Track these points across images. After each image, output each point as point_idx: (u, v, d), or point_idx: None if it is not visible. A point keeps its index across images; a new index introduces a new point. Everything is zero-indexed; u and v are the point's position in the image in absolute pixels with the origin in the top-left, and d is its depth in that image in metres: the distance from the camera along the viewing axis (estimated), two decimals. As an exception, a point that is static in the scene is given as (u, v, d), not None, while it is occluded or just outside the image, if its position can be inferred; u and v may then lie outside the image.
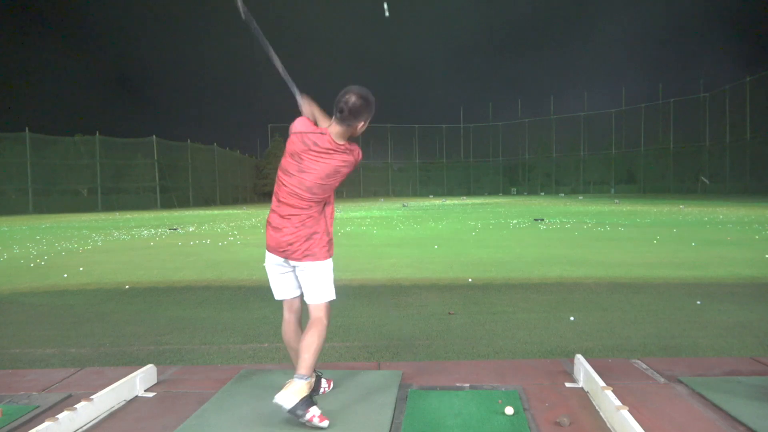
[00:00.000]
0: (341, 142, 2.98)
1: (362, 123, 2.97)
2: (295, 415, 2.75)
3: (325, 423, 2.78)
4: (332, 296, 3.12)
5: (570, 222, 19.26)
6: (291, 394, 2.76)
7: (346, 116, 2.91)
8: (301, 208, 3.00)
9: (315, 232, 3.02)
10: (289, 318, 3.22)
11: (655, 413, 2.92)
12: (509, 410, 2.91)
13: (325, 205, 3.10)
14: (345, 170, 3.03)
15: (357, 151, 3.04)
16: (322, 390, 3.26)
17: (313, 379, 3.12)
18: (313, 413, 2.78)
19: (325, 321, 3.05)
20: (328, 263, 3.10)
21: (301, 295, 3.20)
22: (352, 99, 2.89)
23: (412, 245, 12.35)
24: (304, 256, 3.01)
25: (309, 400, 2.80)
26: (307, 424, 2.76)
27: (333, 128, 2.98)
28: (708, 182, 55.82)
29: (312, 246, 3.02)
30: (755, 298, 6.30)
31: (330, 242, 3.12)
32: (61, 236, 17.77)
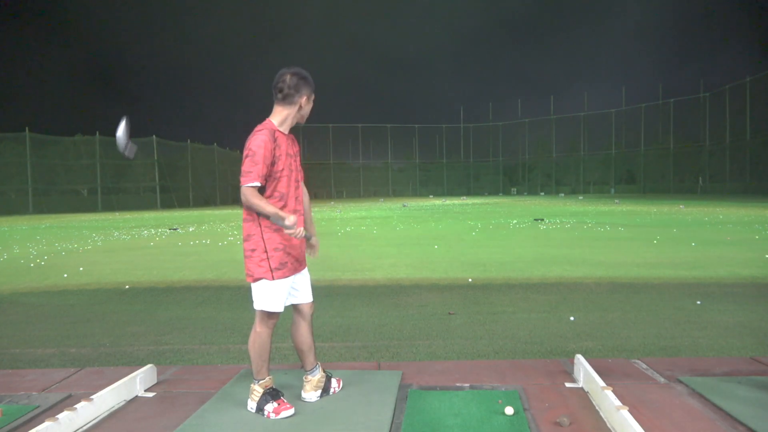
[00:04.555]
0: (268, 123, 2.97)
1: (304, 97, 3.00)
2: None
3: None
4: None
5: (570, 222, 19.26)
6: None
7: (287, 93, 2.95)
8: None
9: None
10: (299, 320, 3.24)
11: (655, 413, 2.92)
12: (509, 410, 2.92)
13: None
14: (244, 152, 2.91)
15: (255, 131, 2.93)
16: (332, 390, 3.27)
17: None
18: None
19: None
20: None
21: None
22: (288, 77, 2.96)
23: (412, 245, 12.35)
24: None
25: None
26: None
27: (274, 115, 3.00)
28: (702, 184, 55.76)
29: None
30: (755, 298, 6.30)
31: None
32: (61, 236, 17.78)
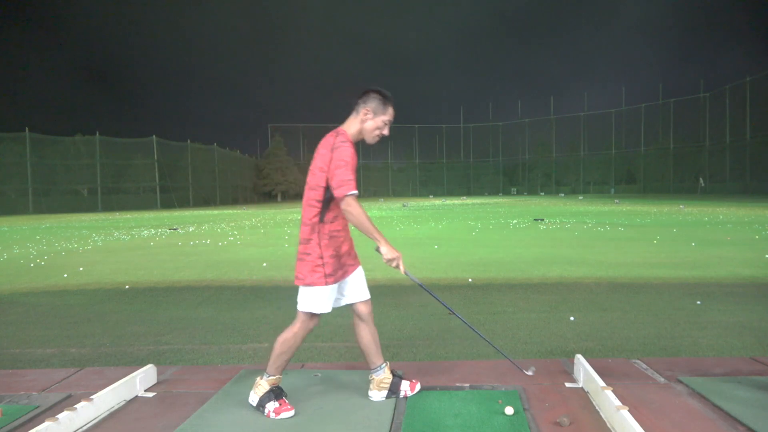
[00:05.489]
0: (345, 134, 3.02)
1: (368, 110, 3.04)
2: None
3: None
4: None
5: (570, 222, 19.26)
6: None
7: (356, 102, 3.09)
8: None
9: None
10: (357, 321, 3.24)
11: (655, 413, 2.92)
12: (509, 410, 2.91)
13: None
14: (317, 157, 2.98)
15: (334, 134, 2.98)
16: (402, 392, 3.23)
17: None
18: None
19: None
20: None
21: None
22: (367, 91, 3.08)
23: (412, 245, 12.35)
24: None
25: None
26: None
27: (347, 124, 3.10)
28: (703, 185, 55.74)
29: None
30: (755, 298, 6.30)
31: None
32: (61, 236, 17.77)
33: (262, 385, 3.03)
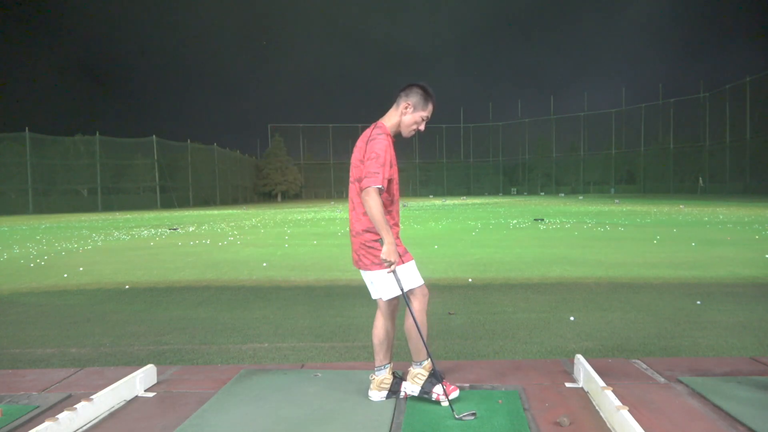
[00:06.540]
0: (383, 126, 3.10)
1: (409, 104, 3.09)
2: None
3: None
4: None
5: (570, 222, 19.25)
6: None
7: (397, 95, 3.14)
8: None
9: None
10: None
11: (655, 413, 2.92)
12: (445, 403, 3.01)
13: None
14: (356, 150, 3.09)
15: (373, 126, 3.09)
16: (402, 393, 3.22)
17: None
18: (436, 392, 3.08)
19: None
20: None
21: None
22: (410, 85, 3.11)
23: (412, 245, 12.34)
24: None
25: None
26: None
27: (386, 117, 3.18)
28: (703, 184, 55.72)
29: None
30: (755, 298, 6.30)
31: None
32: (61, 236, 17.77)
33: (421, 374, 3.07)
